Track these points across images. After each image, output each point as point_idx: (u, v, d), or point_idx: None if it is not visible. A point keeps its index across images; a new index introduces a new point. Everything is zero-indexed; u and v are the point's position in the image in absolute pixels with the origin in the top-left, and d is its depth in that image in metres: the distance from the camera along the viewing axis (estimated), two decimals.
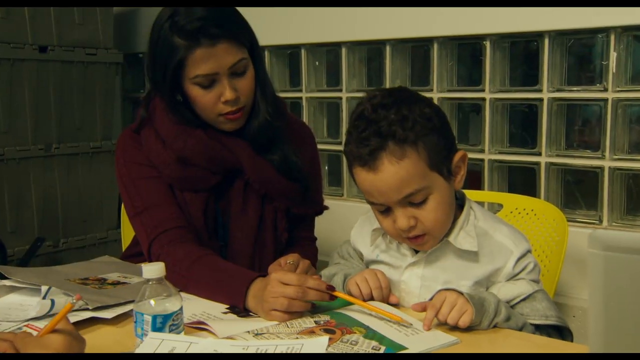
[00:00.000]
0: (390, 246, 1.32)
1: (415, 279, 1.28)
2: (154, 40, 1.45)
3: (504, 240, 1.25)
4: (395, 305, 1.26)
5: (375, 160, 1.15)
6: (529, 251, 1.26)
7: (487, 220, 1.28)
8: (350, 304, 1.24)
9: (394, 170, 1.15)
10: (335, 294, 1.22)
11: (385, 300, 1.27)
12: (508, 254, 1.24)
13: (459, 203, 1.29)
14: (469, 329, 1.13)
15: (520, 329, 1.18)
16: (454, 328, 1.13)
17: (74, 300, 1.00)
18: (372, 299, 1.26)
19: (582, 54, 2.05)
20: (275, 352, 1.02)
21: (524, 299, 1.22)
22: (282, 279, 1.20)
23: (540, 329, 1.21)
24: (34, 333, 1.12)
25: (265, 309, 1.20)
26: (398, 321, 1.16)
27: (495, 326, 1.16)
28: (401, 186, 1.16)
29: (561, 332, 1.24)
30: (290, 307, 1.18)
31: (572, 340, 1.25)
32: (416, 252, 1.28)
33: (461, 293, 1.15)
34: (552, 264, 1.58)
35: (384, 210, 1.22)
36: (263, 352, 1.02)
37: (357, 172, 1.20)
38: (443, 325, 1.15)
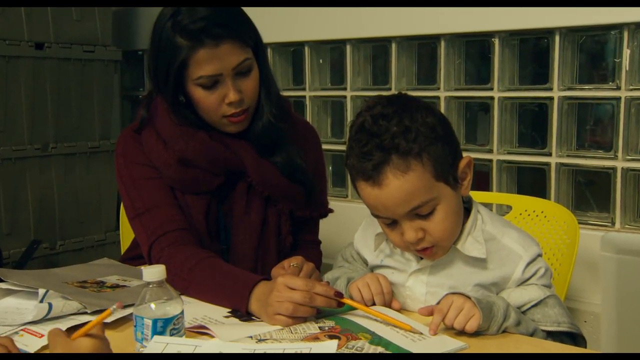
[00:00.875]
0: (394, 251, 1.32)
1: (421, 285, 1.28)
2: (155, 40, 1.45)
3: (512, 245, 1.25)
4: (398, 311, 1.26)
5: (380, 175, 1.15)
6: (539, 255, 1.25)
7: (495, 224, 1.27)
8: (355, 308, 1.24)
9: (399, 184, 1.14)
10: (344, 300, 1.22)
11: (388, 305, 1.27)
12: (517, 259, 1.23)
13: (466, 207, 1.29)
14: (477, 333, 1.14)
15: (531, 335, 1.18)
16: (461, 333, 1.14)
17: (114, 307, 1.01)
18: (373, 304, 1.27)
19: (594, 51, 2.05)
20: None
21: (535, 305, 1.22)
22: (289, 283, 1.21)
23: (552, 336, 1.21)
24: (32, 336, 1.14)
25: (270, 312, 1.20)
26: (408, 330, 1.16)
27: (504, 331, 1.16)
28: (407, 200, 1.16)
29: (574, 338, 1.24)
30: (296, 312, 1.18)
31: (585, 348, 1.24)
32: (421, 257, 1.28)
33: (469, 297, 1.15)
34: (562, 267, 1.57)
35: (391, 223, 1.22)
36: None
37: (361, 186, 1.20)
38: (450, 330, 1.15)
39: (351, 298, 1.27)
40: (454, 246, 1.24)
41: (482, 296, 1.20)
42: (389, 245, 1.32)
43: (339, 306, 1.22)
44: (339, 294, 1.21)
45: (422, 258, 1.28)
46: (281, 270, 1.36)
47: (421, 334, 1.15)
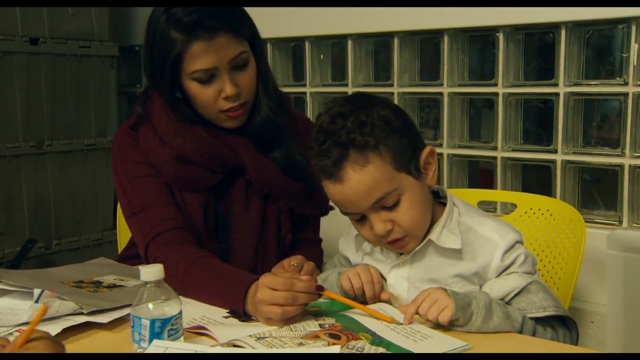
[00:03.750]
0: (374, 249, 1.35)
1: (402, 281, 1.31)
2: (150, 34, 1.46)
3: (489, 233, 1.27)
4: (387, 302, 1.29)
5: (340, 171, 1.19)
6: (518, 242, 1.27)
7: (471, 214, 1.30)
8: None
9: (359, 178, 1.19)
10: (325, 293, 1.23)
11: (377, 295, 1.30)
12: (494, 247, 1.26)
13: (442, 201, 1.32)
14: (448, 328, 1.15)
15: (522, 326, 1.19)
16: (451, 330, 1.15)
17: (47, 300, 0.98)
18: (363, 293, 1.29)
19: (601, 46, 2.05)
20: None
21: (518, 293, 1.24)
22: (269, 284, 1.21)
23: (541, 322, 1.22)
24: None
25: (262, 316, 1.21)
26: (388, 321, 1.18)
27: (499, 331, 1.17)
28: (370, 192, 1.20)
29: (564, 322, 1.26)
30: (285, 315, 1.19)
31: (577, 330, 1.26)
32: (400, 253, 1.31)
33: (445, 290, 1.17)
34: (568, 266, 1.58)
35: (360, 218, 1.26)
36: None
37: (325, 185, 1.25)
38: (429, 321, 1.17)
39: (341, 287, 1.31)
40: (430, 239, 1.26)
41: (461, 287, 1.24)
42: (369, 245, 1.35)
43: (319, 297, 1.24)
44: (320, 288, 1.23)
45: (401, 254, 1.30)
46: (281, 270, 1.37)
47: (400, 324, 1.18)
